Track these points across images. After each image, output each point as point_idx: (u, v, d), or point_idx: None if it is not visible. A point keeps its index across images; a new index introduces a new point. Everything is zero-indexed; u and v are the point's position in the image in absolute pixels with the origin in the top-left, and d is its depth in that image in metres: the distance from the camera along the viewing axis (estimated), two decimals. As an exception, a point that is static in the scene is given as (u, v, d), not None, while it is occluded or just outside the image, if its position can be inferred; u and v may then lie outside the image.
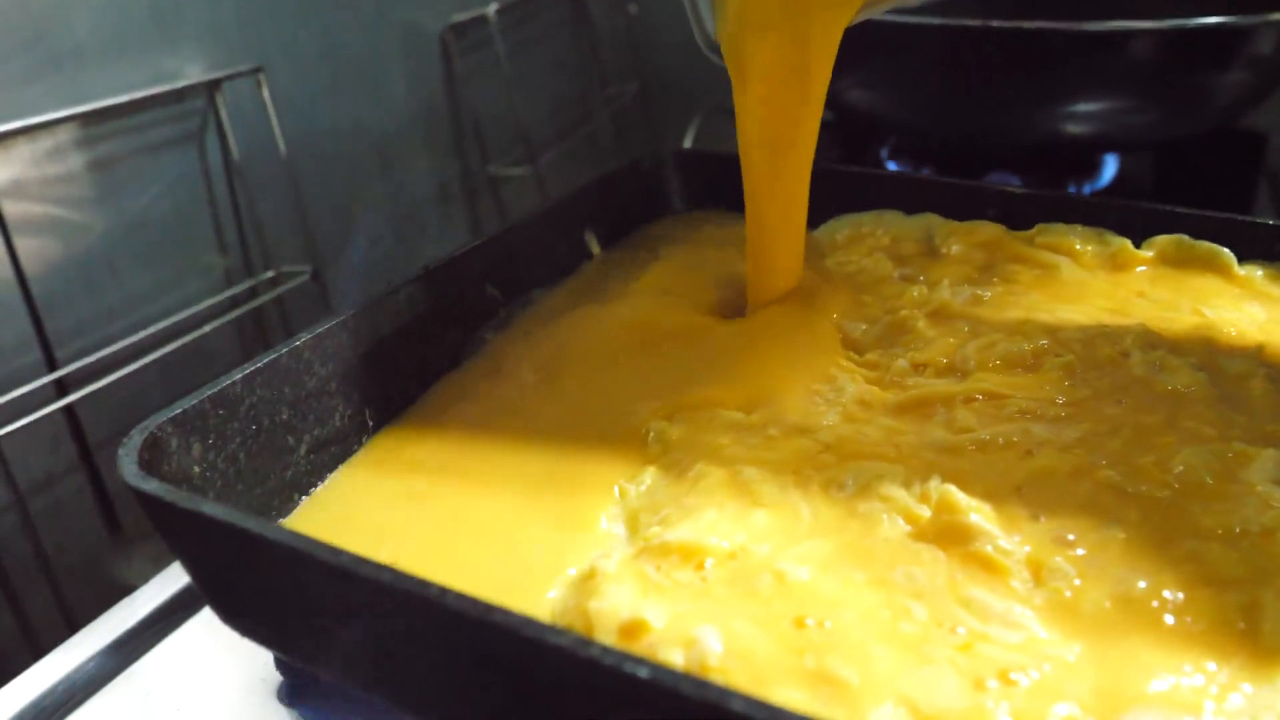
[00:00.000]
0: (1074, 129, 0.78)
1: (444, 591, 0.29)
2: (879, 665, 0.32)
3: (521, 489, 0.43)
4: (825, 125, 0.98)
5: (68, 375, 0.68)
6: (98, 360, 0.70)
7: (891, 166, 0.90)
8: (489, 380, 0.52)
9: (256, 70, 0.78)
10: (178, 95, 0.75)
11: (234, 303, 0.81)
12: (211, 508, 0.33)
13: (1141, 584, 0.35)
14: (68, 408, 0.68)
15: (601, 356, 0.51)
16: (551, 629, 0.28)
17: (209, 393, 0.41)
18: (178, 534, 0.35)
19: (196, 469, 0.40)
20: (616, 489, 0.43)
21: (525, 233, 0.58)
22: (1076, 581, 0.35)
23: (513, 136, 1.04)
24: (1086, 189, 0.85)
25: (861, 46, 0.82)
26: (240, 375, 0.43)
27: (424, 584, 0.29)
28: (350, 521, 0.43)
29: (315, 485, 0.46)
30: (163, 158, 0.75)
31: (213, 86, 0.77)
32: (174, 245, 0.77)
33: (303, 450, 0.45)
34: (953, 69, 0.76)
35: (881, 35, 0.76)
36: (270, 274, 0.82)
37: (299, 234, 0.84)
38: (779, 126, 0.52)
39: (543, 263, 0.60)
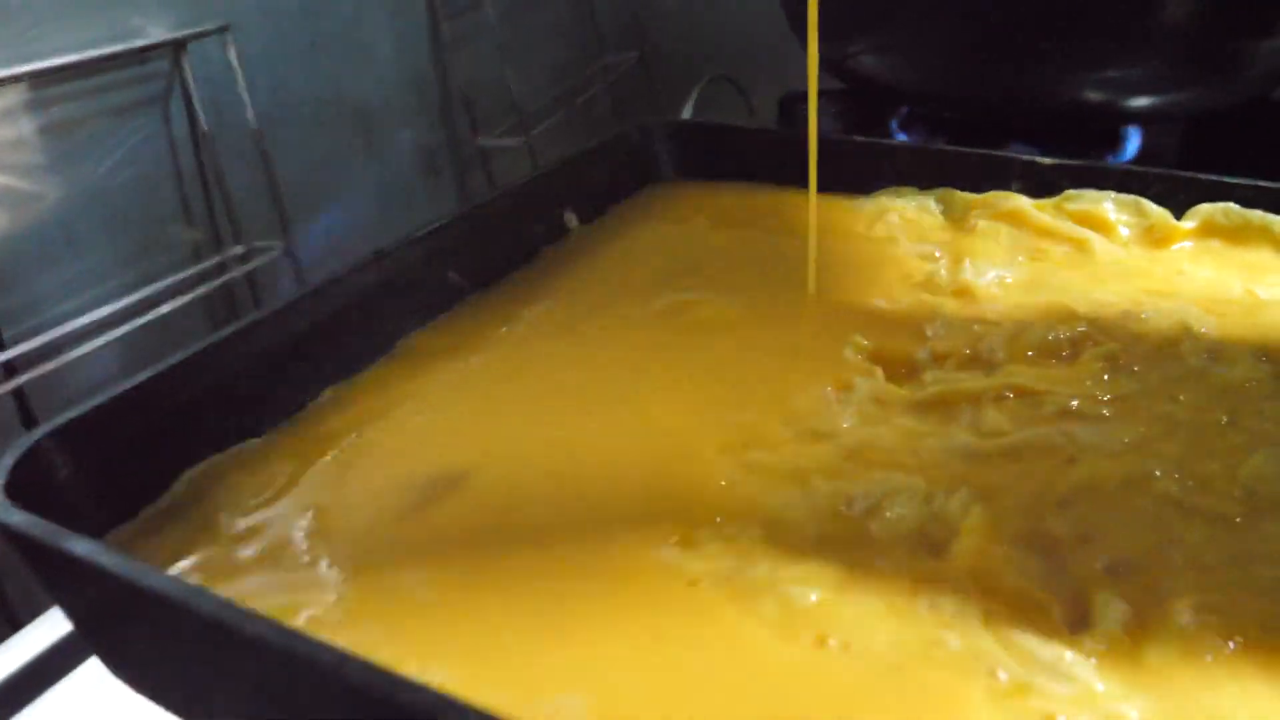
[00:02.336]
0: (1099, 96, 0.73)
1: (343, 659, 0.24)
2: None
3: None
4: (833, 95, 0.94)
5: (18, 357, 0.63)
6: (51, 340, 0.65)
7: (902, 138, 0.85)
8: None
9: (223, 29, 0.73)
10: (139, 55, 0.70)
11: (201, 279, 0.76)
12: (83, 546, 0.28)
13: (1214, 624, 0.30)
14: (17, 391, 0.64)
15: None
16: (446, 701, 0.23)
17: (101, 400, 0.36)
18: (49, 576, 0.30)
19: (82, 492, 0.35)
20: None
21: (493, 213, 0.53)
22: (1134, 620, 0.30)
23: (505, 106, 0.99)
24: (1110, 162, 0.80)
25: (874, 6, 0.78)
26: (142, 379, 0.38)
27: (317, 646, 0.24)
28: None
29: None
30: (124, 123, 0.70)
31: (177, 46, 0.71)
32: (136, 217, 0.72)
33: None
34: (972, 28, 0.71)
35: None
36: (240, 249, 0.77)
37: (273, 207, 0.79)
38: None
39: (514, 245, 0.54)
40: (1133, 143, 0.82)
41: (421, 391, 0.44)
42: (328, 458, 0.40)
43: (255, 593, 0.33)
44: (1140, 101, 0.74)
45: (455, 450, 0.39)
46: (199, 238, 0.77)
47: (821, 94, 0.93)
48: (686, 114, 0.98)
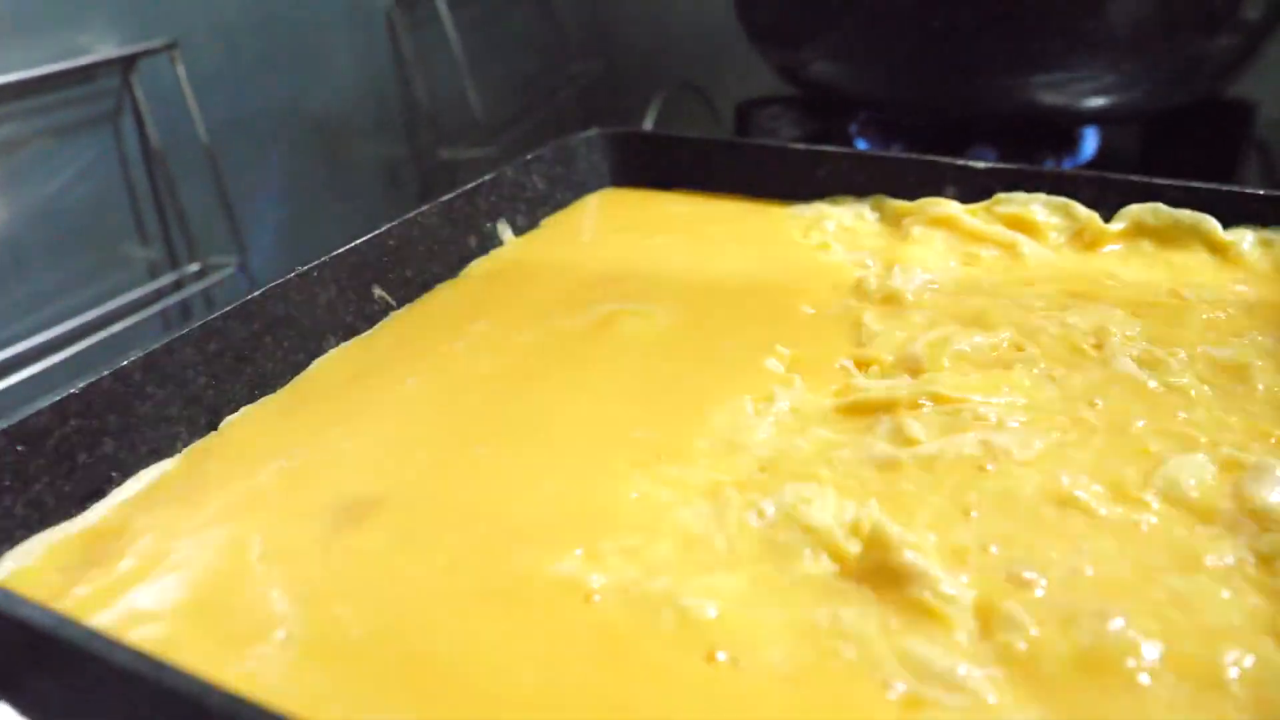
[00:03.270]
0: (1052, 98, 0.73)
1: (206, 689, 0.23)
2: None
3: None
4: (790, 102, 0.94)
5: (-35, 378, 0.63)
6: (1, 360, 0.65)
7: (861, 144, 0.85)
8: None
9: (171, 46, 0.73)
10: (87, 73, 0.70)
11: (158, 296, 0.76)
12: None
13: (1114, 632, 0.30)
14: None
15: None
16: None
17: (4, 425, 0.35)
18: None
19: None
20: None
21: (422, 226, 0.53)
22: (1034, 631, 0.30)
23: (471, 118, 0.99)
24: (1067, 164, 0.80)
25: (827, 12, 0.78)
26: (48, 404, 0.37)
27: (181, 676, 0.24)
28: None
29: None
30: (73, 141, 0.70)
31: (126, 63, 0.71)
32: (88, 236, 0.71)
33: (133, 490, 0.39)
34: (922, 34, 0.71)
35: None
36: (196, 266, 0.77)
37: (229, 223, 0.79)
38: None
39: (444, 258, 0.54)
40: (1091, 144, 0.82)
41: (343, 414, 0.43)
42: (242, 484, 0.39)
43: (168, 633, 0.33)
44: (1092, 102, 0.74)
45: (374, 476, 0.39)
46: (154, 255, 0.77)
47: (778, 101, 0.93)
48: (649, 123, 0.98)
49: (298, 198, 0.87)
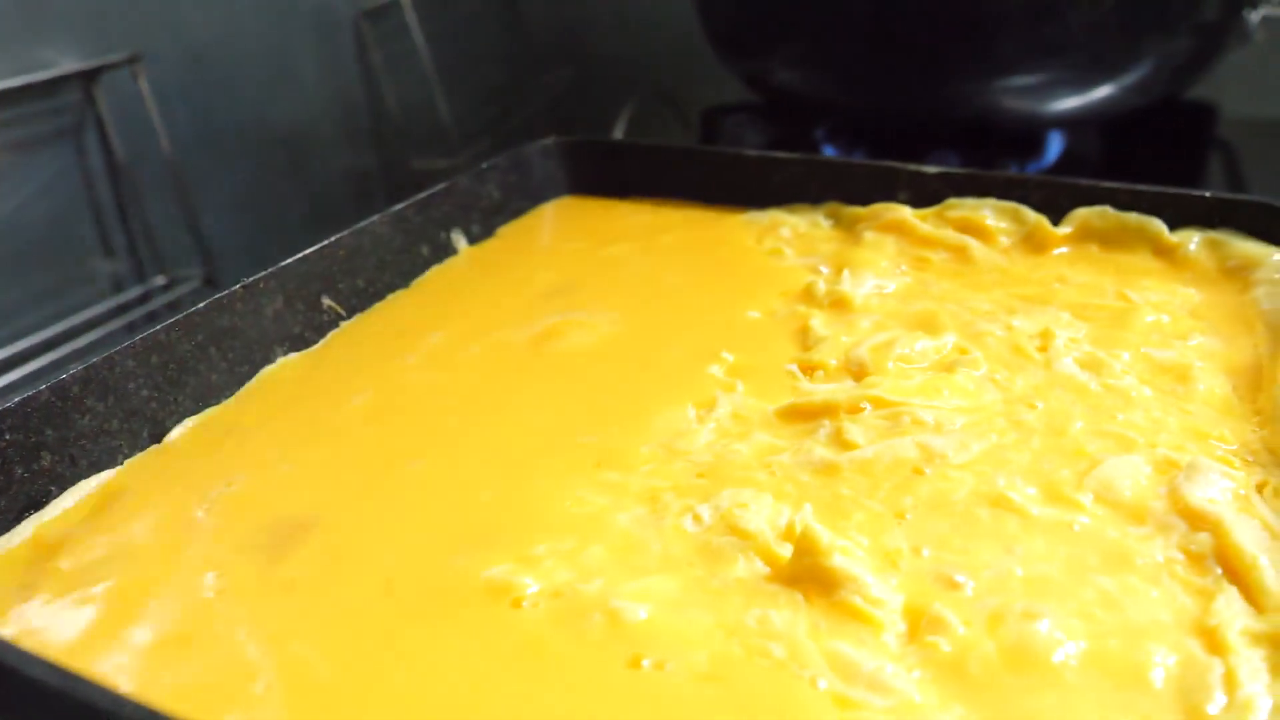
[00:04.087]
0: (1013, 103, 0.73)
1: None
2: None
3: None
4: (756, 110, 0.94)
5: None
6: (-37, 377, 0.65)
7: (827, 150, 0.85)
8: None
9: (133, 59, 0.73)
10: (50, 87, 0.70)
11: (124, 310, 0.75)
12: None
13: (1040, 631, 0.30)
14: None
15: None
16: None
17: None
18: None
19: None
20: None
21: (374, 235, 0.53)
22: (961, 631, 0.30)
23: (441, 128, 0.99)
24: (1030, 168, 0.80)
25: (788, 20, 0.78)
26: None
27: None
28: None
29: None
30: (36, 156, 0.70)
31: (88, 78, 0.71)
32: (52, 251, 0.71)
33: (71, 503, 0.39)
34: (882, 41, 0.71)
35: (807, 4, 0.72)
36: (163, 279, 0.77)
37: (194, 236, 0.78)
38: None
39: (396, 268, 0.54)
40: (1055, 148, 0.82)
41: (283, 433, 0.43)
42: (180, 507, 0.39)
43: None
44: (1053, 106, 0.74)
45: (309, 500, 0.39)
46: (120, 270, 0.77)
47: (744, 109, 0.94)
48: (619, 131, 0.98)
49: (265, 210, 0.87)
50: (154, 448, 0.42)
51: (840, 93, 0.79)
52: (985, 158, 0.80)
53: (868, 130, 0.84)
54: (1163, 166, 0.80)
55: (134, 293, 0.76)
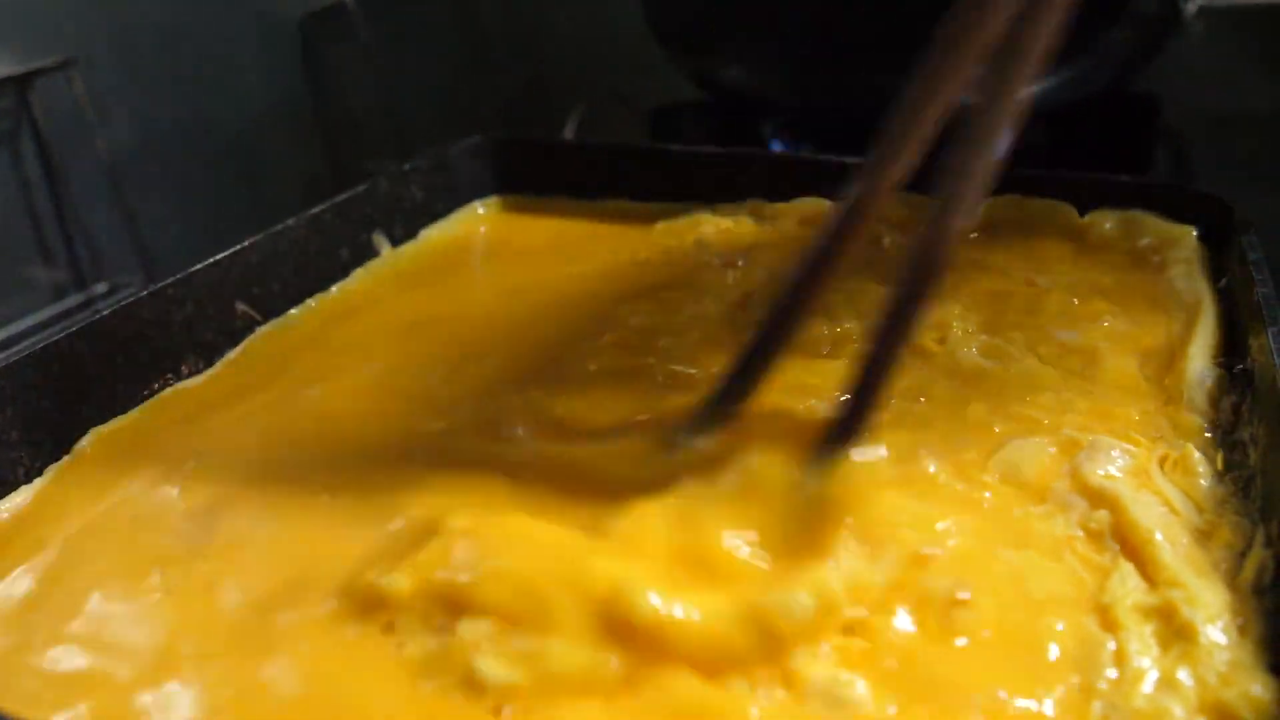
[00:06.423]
0: (954, 96, 0.73)
1: None
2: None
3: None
4: (703, 107, 0.94)
5: None
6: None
7: (775, 146, 0.84)
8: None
9: (67, 63, 0.72)
10: (-21, 93, 0.69)
11: (64, 318, 0.75)
12: None
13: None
14: None
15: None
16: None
17: None
18: None
19: None
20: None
21: (291, 238, 0.52)
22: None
23: (392, 130, 0.99)
24: (977, 161, 0.80)
25: (731, 18, 0.78)
26: None
27: None
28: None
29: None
30: (-34, 163, 0.69)
31: (21, 83, 0.71)
32: (-13, 259, 0.71)
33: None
34: (825, 37, 0.71)
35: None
36: (104, 286, 0.77)
37: (135, 242, 0.78)
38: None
39: (315, 271, 0.53)
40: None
41: (176, 458, 0.42)
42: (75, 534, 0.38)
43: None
44: (995, 98, 0.73)
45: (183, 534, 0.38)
46: (60, 277, 0.76)
47: (691, 107, 0.93)
48: (569, 132, 0.97)
49: (212, 214, 0.86)
50: (64, 460, 0.41)
51: (785, 90, 0.78)
52: (933, 151, 0.79)
53: (815, 126, 0.84)
54: (1109, 157, 0.80)
55: (74, 300, 0.75)
